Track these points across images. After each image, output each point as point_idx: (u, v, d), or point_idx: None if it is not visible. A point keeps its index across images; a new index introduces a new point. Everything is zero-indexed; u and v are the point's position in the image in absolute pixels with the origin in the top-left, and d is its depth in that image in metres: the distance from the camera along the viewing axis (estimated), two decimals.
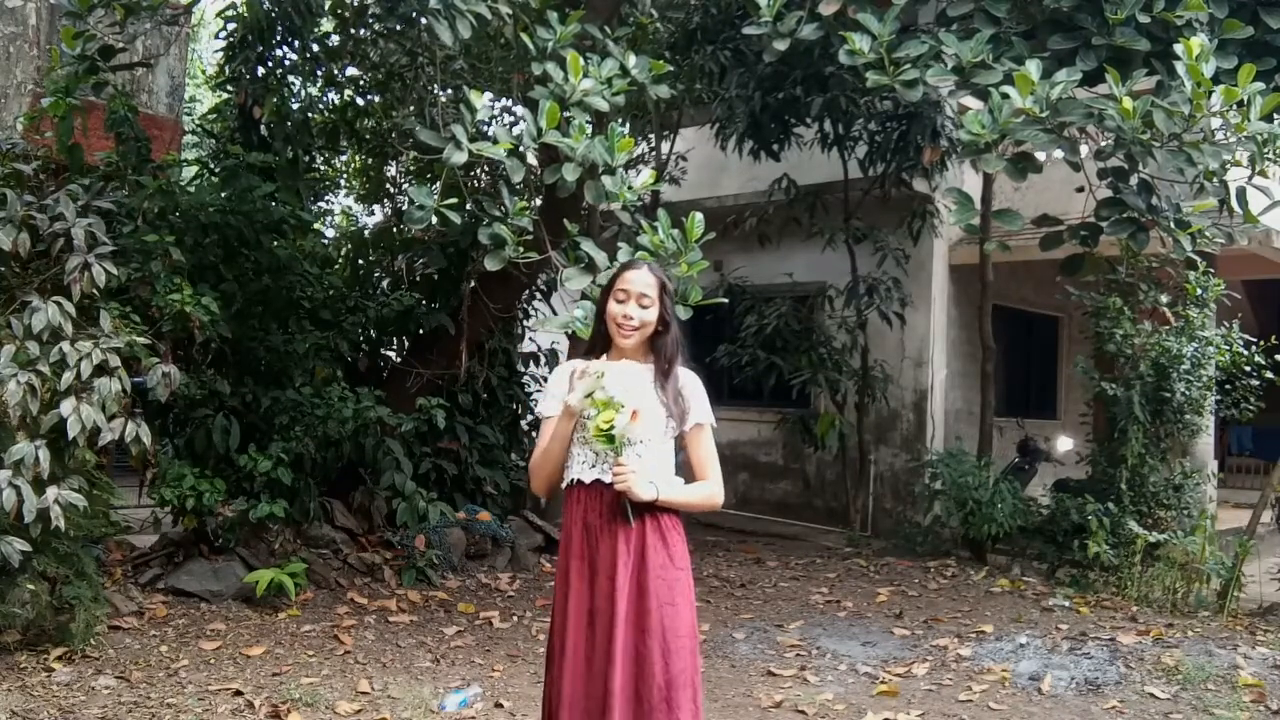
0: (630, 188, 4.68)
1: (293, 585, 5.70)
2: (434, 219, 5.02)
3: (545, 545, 7.64)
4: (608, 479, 2.66)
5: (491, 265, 4.77)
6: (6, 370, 4.24)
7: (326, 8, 7.84)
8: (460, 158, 4.58)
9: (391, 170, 9.95)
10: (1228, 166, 4.90)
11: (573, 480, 2.74)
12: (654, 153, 10.16)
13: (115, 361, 4.51)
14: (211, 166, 7.29)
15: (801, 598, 6.86)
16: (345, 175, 10.34)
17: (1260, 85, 4.31)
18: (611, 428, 2.56)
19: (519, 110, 8.27)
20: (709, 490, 2.77)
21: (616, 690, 2.55)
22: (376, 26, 7.84)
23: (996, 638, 5.79)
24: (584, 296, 4.60)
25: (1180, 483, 7.71)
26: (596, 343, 2.86)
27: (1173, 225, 5.14)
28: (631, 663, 2.58)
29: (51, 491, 4.24)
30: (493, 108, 9.18)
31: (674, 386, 2.74)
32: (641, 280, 2.73)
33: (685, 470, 2.82)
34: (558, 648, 2.69)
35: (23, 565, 4.32)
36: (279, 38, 7.41)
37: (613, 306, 2.73)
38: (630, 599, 2.60)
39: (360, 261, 8.74)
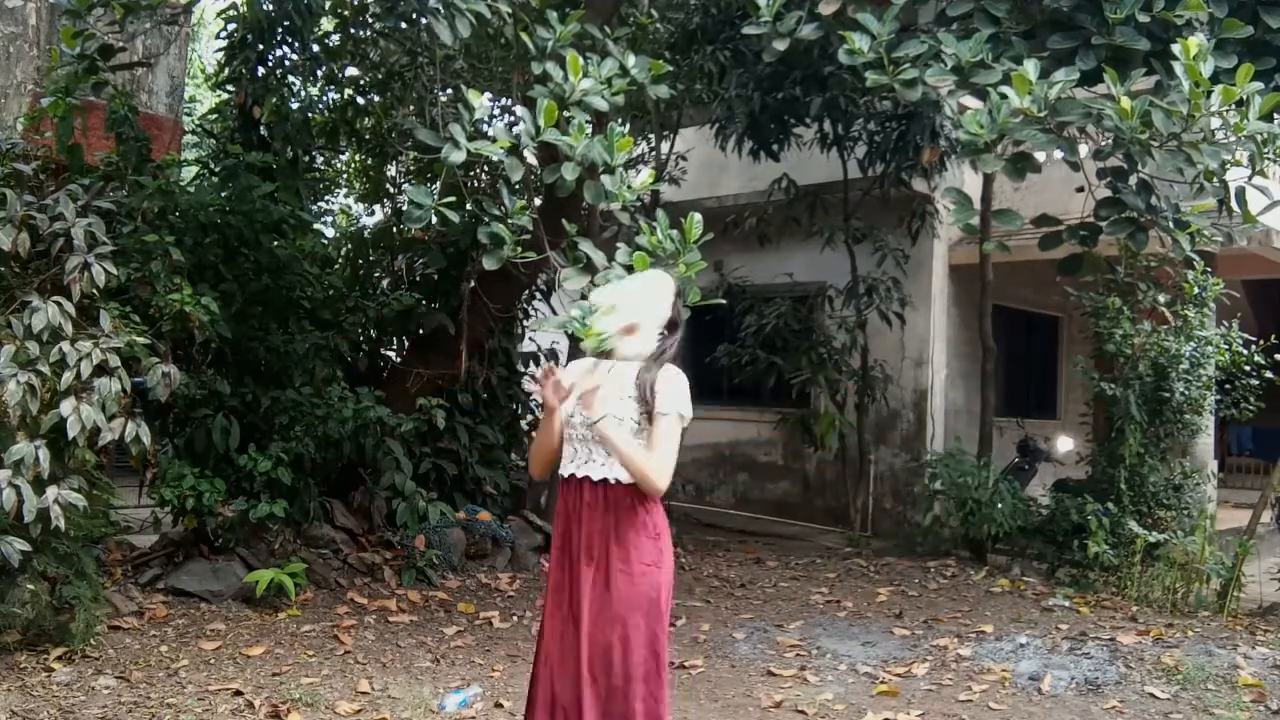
0: (630, 187, 4.68)
1: (293, 585, 5.71)
2: (433, 219, 5.03)
3: (545, 545, 7.63)
4: (589, 474, 2.82)
5: (489, 265, 4.78)
6: (6, 370, 4.24)
7: (326, 8, 7.84)
8: (459, 157, 4.58)
9: (391, 170, 9.95)
10: (1227, 166, 4.88)
11: (560, 475, 2.91)
12: (654, 153, 10.15)
13: (115, 361, 4.51)
14: (211, 166, 7.29)
15: (801, 598, 6.86)
16: (345, 175, 10.34)
17: (1259, 85, 4.30)
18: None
19: (519, 110, 8.27)
20: (649, 460, 2.73)
21: (584, 677, 2.71)
22: (376, 26, 7.84)
23: (996, 638, 5.79)
24: (583, 296, 4.60)
25: (1180, 483, 7.71)
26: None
27: (1172, 225, 5.13)
28: (598, 652, 2.73)
29: (51, 491, 4.24)
30: (492, 107, 9.18)
31: (650, 377, 2.81)
32: None
33: None
34: (541, 633, 2.90)
35: (23, 565, 4.33)
36: (279, 38, 7.40)
37: None
38: (596, 591, 2.75)
39: (360, 261, 8.74)
